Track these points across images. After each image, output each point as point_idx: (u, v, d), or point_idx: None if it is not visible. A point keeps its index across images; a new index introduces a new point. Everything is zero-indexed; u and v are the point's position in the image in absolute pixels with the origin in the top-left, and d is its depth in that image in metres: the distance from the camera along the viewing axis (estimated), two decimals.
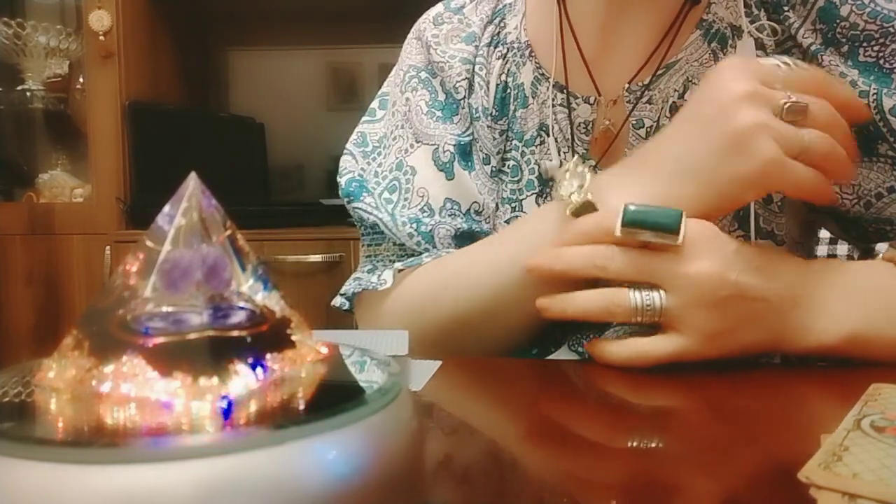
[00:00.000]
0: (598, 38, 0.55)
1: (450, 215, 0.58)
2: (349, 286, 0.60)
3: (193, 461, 0.15)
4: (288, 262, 1.52)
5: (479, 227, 0.58)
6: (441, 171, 0.59)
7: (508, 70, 0.60)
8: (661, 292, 0.40)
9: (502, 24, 0.62)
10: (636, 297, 0.41)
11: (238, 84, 2.09)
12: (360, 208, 0.59)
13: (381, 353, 0.24)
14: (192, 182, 0.21)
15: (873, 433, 0.26)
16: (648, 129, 0.55)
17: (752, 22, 0.52)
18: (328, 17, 1.97)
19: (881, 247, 0.46)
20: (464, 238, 0.57)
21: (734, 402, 0.37)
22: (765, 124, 0.40)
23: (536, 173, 0.57)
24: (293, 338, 0.22)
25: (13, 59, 1.75)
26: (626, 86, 0.55)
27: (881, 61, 0.48)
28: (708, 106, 0.42)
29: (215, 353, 0.19)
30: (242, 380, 0.19)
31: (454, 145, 0.59)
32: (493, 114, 0.60)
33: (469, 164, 0.60)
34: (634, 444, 0.30)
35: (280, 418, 0.18)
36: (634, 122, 0.55)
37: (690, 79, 0.53)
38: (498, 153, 0.59)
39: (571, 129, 0.56)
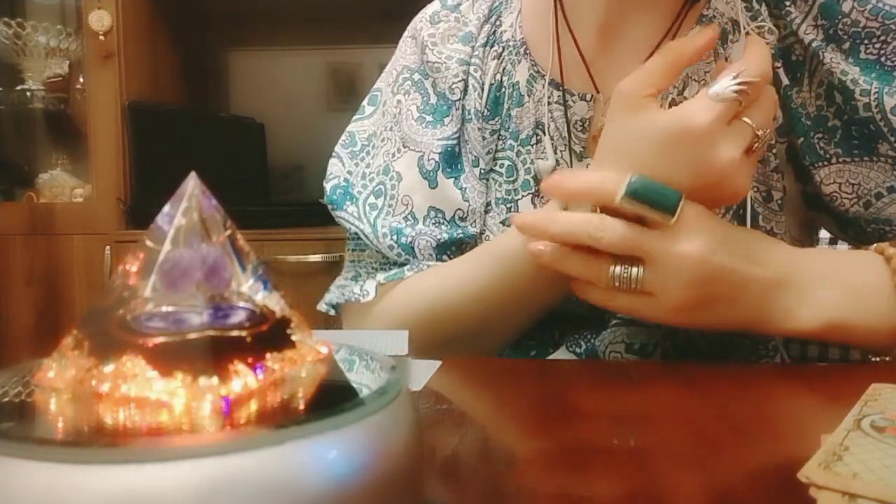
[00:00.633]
0: (597, 34, 0.55)
1: (434, 223, 0.58)
2: (333, 295, 0.61)
3: (193, 461, 0.15)
4: (288, 262, 1.52)
5: (465, 232, 0.58)
6: (425, 178, 0.59)
7: (504, 69, 0.60)
8: (641, 267, 0.41)
9: (498, 23, 0.61)
10: (616, 269, 0.42)
11: (238, 84, 2.09)
12: (342, 217, 0.60)
13: (381, 353, 0.24)
14: (192, 182, 0.21)
15: (873, 433, 0.26)
16: None
17: (752, 18, 0.52)
18: (328, 18, 1.97)
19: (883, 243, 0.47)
20: (446, 247, 0.58)
21: (734, 402, 0.37)
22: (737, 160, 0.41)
23: (532, 173, 0.57)
24: (293, 338, 0.22)
25: (13, 59, 1.75)
26: None
27: (882, 59, 0.48)
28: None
29: (215, 353, 0.19)
30: (242, 380, 0.19)
31: (440, 153, 0.59)
32: (485, 114, 0.59)
33: (455, 169, 0.59)
34: (633, 443, 0.30)
35: (280, 418, 0.18)
36: None
37: (690, 75, 0.53)
38: (488, 153, 0.59)
39: (568, 126, 0.56)
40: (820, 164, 0.52)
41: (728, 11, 0.53)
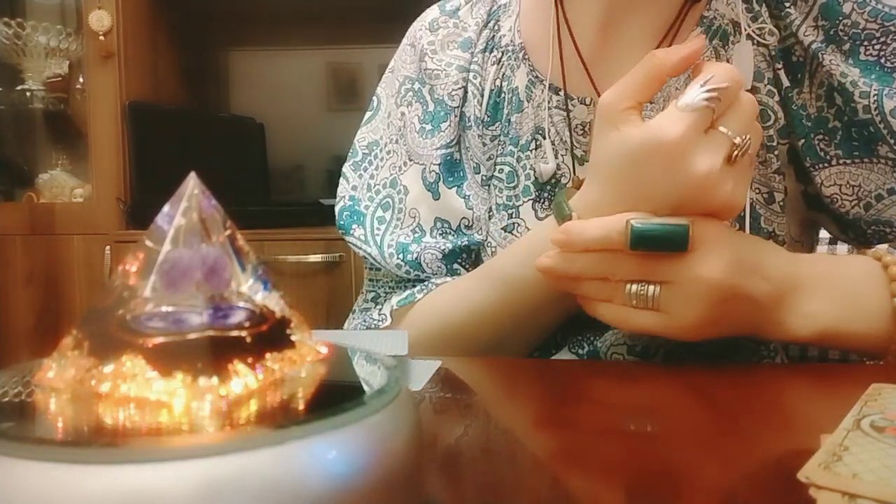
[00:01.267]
0: (597, 38, 0.55)
1: (440, 234, 0.59)
2: (355, 322, 0.62)
3: (193, 461, 0.15)
4: (288, 262, 1.52)
5: (472, 239, 0.59)
6: (428, 191, 0.60)
7: (503, 74, 0.60)
8: (658, 286, 0.41)
9: (497, 27, 0.61)
10: (632, 288, 0.42)
11: (238, 84, 2.09)
12: (350, 242, 0.61)
13: (381, 353, 0.24)
14: (192, 182, 0.21)
15: (873, 433, 0.26)
16: None
17: (753, 19, 0.52)
18: (328, 17, 1.97)
19: (881, 248, 0.47)
20: (453, 257, 0.59)
21: (734, 402, 0.37)
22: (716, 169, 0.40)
23: (532, 178, 0.57)
24: (293, 338, 0.22)
25: (13, 59, 1.75)
26: None
27: (882, 60, 0.48)
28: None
29: (215, 353, 0.19)
30: (242, 380, 0.19)
31: (440, 163, 0.59)
32: (485, 120, 0.59)
33: (457, 177, 0.60)
34: (633, 443, 0.30)
35: (280, 418, 0.18)
36: None
37: (692, 77, 0.53)
38: (489, 159, 0.59)
39: (569, 131, 0.56)
40: (821, 165, 0.52)
41: (728, 13, 0.53)
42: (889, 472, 0.23)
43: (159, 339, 0.19)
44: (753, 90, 0.51)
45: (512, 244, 0.55)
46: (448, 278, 0.58)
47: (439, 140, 0.60)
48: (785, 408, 0.36)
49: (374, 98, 0.67)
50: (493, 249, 0.58)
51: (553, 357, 0.55)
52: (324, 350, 0.23)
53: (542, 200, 0.57)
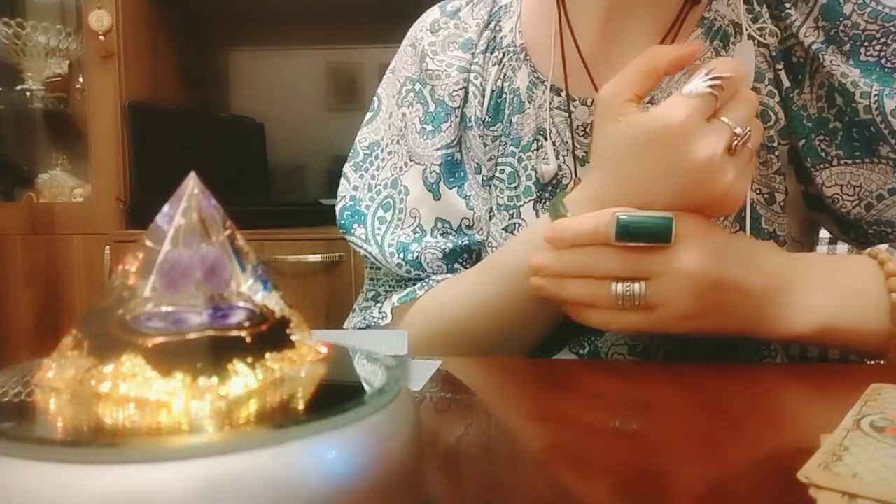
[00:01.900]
0: (598, 39, 0.55)
1: (441, 234, 0.59)
2: (355, 320, 0.62)
3: (193, 461, 0.15)
4: (288, 262, 1.52)
5: (472, 239, 0.59)
6: (429, 191, 0.60)
7: (504, 75, 0.60)
8: (643, 283, 0.41)
9: (498, 28, 0.61)
10: (618, 287, 0.42)
11: (238, 84, 2.09)
12: (351, 241, 0.61)
13: (381, 352, 0.24)
14: (192, 182, 0.21)
15: (873, 433, 0.26)
16: None
17: (753, 20, 0.52)
18: (328, 17, 1.97)
19: (878, 247, 0.47)
20: (453, 257, 0.59)
21: (734, 402, 0.37)
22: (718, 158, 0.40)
23: (534, 179, 0.57)
24: (293, 338, 0.22)
25: (13, 59, 1.75)
26: None
27: (882, 61, 0.48)
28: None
29: (215, 353, 0.19)
30: (242, 380, 0.19)
31: (440, 164, 0.59)
32: (486, 120, 0.60)
33: (458, 177, 0.60)
34: (633, 443, 0.30)
35: (280, 418, 0.18)
36: None
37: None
38: (490, 160, 0.59)
39: (571, 131, 0.56)
40: (821, 166, 0.52)
41: (729, 13, 0.53)
42: (889, 472, 0.23)
43: (159, 339, 0.19)
44: (754, 90, 0.51)
45: (512, 238, 0.55)
46: (449, 275, 0.58)
47: (440, 140, 0.60)
48: (785, 408, 0.36)
49: (375, 98, 0.67)
50: (494, 249, 0.58)
51: (554, 357, 0.55)
52: (324, 350, 0.23)
53: (543, 201, 0.57)
